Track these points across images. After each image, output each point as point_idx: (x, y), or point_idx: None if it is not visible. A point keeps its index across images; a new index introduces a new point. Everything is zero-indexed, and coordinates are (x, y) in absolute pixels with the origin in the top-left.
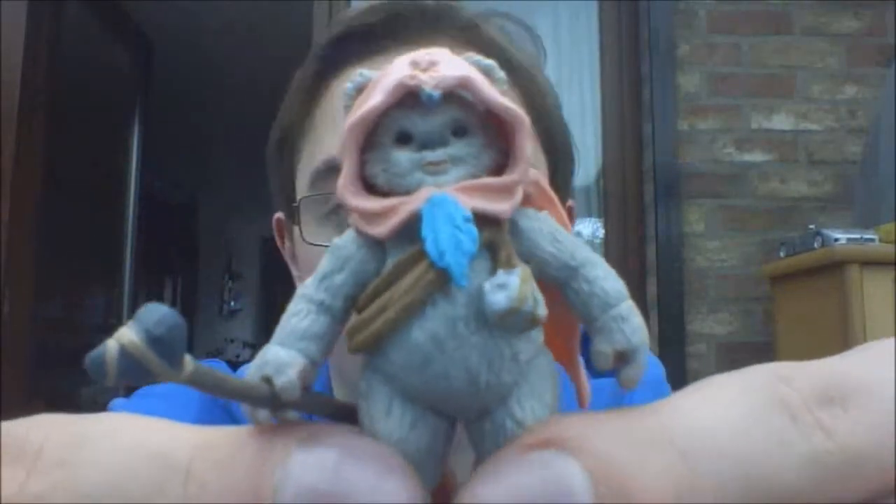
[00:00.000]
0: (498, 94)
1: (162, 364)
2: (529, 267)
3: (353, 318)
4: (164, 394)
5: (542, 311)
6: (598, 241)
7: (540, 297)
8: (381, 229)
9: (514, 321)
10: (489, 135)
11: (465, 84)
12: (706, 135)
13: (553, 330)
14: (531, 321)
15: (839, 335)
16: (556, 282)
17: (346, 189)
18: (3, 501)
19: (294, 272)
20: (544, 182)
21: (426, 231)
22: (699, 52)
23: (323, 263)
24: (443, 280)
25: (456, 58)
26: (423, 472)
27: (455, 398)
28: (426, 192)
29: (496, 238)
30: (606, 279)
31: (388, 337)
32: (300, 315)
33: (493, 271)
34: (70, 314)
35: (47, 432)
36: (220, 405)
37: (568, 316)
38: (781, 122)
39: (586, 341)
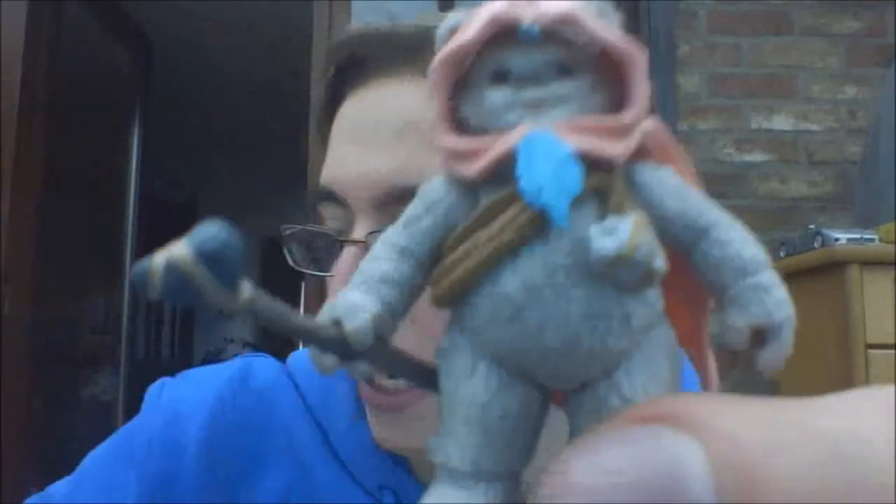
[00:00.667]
0: (608, 31)
1: (213, 283)
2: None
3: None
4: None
5: (661, 264)
6: None
7: (658, 247)
8: (472, 168)
9: (625, 273)
10: (601, 77)
11: (568, 20)
12: (706, 135)
13: (677, 304)
14: (646, 275)
15: (839, 335)
16: (682, 245)
17: (437, 128)
18: None
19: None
20: (666, 134)
21: (522, 168)
22: (699, 53)
23: (409, 208)
24: (540, 222)
25: None
26: (508, 445)
27: (549, 361)
28: (523, 128)
29: (607, 184)
30: (744, 244)
31: (475, 284)
32: (380, 259)
33: (603, 220)
34: (70, 314)
35: None
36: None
37: (696, 289)
38: (781, 122)
39: None
